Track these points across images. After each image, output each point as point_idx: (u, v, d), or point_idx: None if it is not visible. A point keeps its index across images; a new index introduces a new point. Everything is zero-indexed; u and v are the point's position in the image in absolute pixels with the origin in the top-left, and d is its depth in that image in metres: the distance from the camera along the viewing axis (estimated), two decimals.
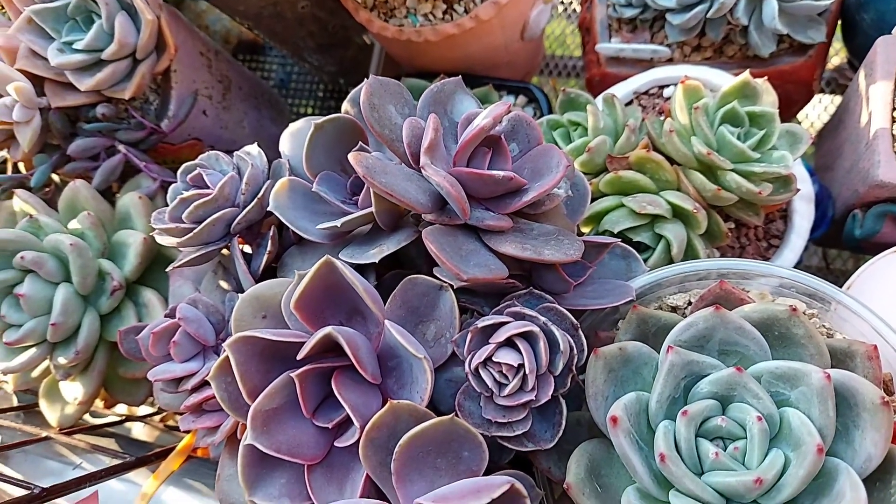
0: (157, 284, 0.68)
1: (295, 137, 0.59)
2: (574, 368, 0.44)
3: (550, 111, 0.82)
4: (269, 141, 1.01)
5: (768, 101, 0.60)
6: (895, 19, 0.67)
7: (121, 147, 0.74)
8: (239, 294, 0.49)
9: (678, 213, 0.57)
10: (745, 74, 0.59)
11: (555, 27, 1.12)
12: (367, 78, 0.48)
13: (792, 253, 0.63)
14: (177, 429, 0.80)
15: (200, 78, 0.83)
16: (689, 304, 0.52)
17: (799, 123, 1.02)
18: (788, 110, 0.84)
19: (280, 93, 1.22)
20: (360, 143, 0.53)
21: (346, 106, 0.56)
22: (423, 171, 0.45)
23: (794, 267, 0.66)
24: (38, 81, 0.73)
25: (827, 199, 0.70)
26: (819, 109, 1.01)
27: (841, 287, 0.65)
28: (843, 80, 0.92)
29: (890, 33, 0.65)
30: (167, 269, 0.53)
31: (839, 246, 0.78)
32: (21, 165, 0.79)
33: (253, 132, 0.96)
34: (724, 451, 0.40)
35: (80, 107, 0.75)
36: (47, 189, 0.83)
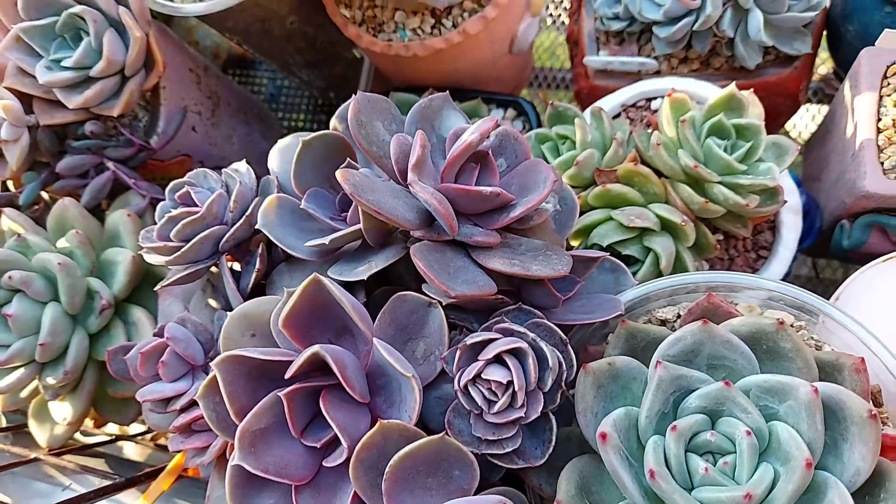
0: (146, 302, 0.67)
1: (283, 154, 0.59)
2: (564, 384, 0.44)
3: (539, 124, 0.83)
4: (258, 156, 1.01)
5: (754, 113, 0.60)
6: (879, 31, 0.68)
7: (110, 164, 0.74)
8: (228, 312, 0.48)
9: (666, 226, 0.57)
10: (731, 87, 0.59)
11: (543, 39, 1.13)
12: (356, 93, 0.48)
13: (780, 265, 0.63)
14: (167, 447, 0.79)
15: (189, 94, 0.83)
16: (679, 316, 0.52)
17: (787, 133, 1.02)
18: (776, 121, 0.84)
19: (270, 107, 1.22)
20: (347, 159, 0.53)
21: (334, 122, 0.57)
22: (410, 187, 0.45)
23: (784, 277, 0.66)
24: (26, 99, 0.73)
25: (815, 210, 0.71)
26: (807, 119, 1.01)
27: (830, 297, 0.66)
28: (829, 90, 0.93)
29: (874, 45, 0.66)
30: (156, 288, 0.52)
31: (828, 255, 0.79)
32: (10, 183, 0.79)
33: (242, 147, 0.96)
34: (714, 466, 0.40)
35: (68, 124, 0.75)
36: (36, 207, 0.83)
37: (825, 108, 0.99)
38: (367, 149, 0.48)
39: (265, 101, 1.23)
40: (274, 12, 0.83)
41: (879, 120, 0.62)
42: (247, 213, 0.52)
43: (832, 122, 0.74)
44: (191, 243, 0.51)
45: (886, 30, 0.60)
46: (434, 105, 0.52)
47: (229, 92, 0.94)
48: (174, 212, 0.52)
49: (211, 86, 0.89)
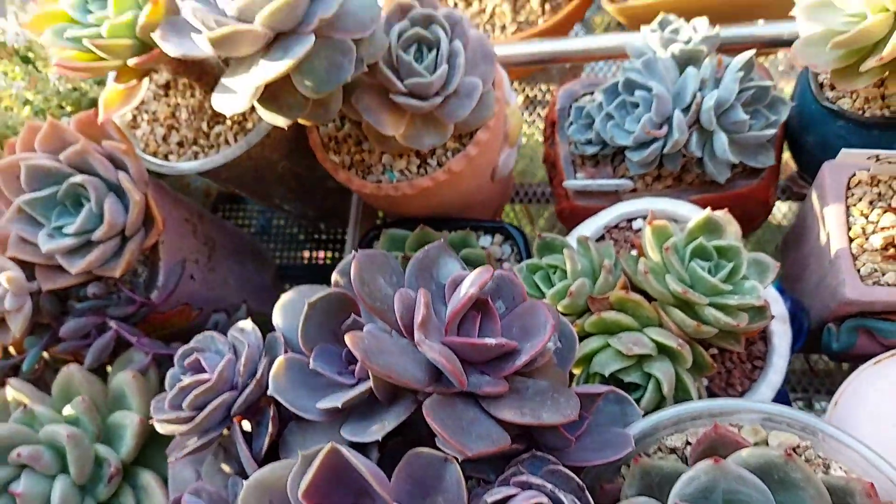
0: (155, 463, 0.67)
1: (286, 310, 0.61)
2: None
3: (526, 244, 0.86)
4: (254, 290, 1.03)
5: (731, 231, 0.64)
6: (836, 141, 0.73)
7: (112, 323, 0.75)
8: (242, 479, 0.49)
9: (664, 350, 0.59)
10: (707, 211, 0.62)
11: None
12: (356, 251, 0.51)
13: (776, 374, 0.65)
14: None
15: (187, 245, 0.85)
16: (688, 443, 0.53)
17: (771, 222, 1.06)
18: (750, 225, 0.88)
19: (261, 239, 1.25)
20: (352, 314, 0.55)
21: (335, 277, 0.59)
22: (418, 346, 0.47)
23: (782, 383, 0.68)
24: (28, 265, 0.75)
25: (801, 313, 0.73)
26: (779, 216, 1.06)
27: (826, 390, 0.67)
28: (796, 188, 0.98)
29: (834, 156, 0.70)
30: (169, 460, 0.53)
31: (820, 352, 0.81)
32: (11, 348, 0.80)
33: (238, 286, 0.98)
34: None
35: (70, 287, 0.77)
36: (37, 367, 0.83)
37: (794, 205, 1.04)
38: (372, 305, 0.50)
39: (256, 233, 1.26)
40: (266, 160, 0.87)
41: (850, 229, 0.66)
42: (257, 377, 0.53)
43: (804, 227, 0.77)
44: (204, 413, 0.51)
45: (843, 150, 0.64)
46: (430, 255, 0.55)
47: (223, 234, 0.97)
48: (185, 380, 0.53)
49: (206, 231, 0.91)
